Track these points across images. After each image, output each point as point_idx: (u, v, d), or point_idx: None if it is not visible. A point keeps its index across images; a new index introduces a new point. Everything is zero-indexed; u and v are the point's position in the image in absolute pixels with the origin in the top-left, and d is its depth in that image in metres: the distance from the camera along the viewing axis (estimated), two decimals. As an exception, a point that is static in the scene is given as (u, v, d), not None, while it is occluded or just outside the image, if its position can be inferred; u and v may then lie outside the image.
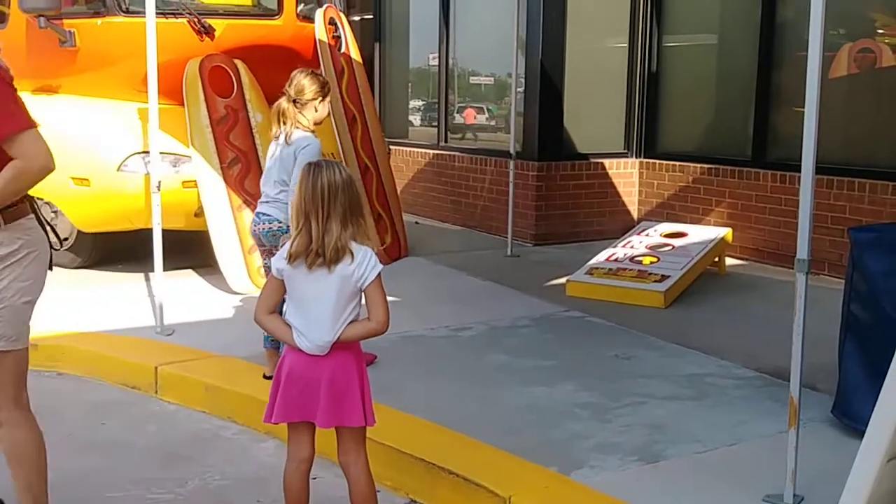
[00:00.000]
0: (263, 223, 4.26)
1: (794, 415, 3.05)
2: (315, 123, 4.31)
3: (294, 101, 4.22)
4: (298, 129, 4.23)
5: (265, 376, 4.25)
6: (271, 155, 4.33)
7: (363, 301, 2.82)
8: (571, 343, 5.03)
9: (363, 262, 2.74)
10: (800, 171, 3.07)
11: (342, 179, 2.74)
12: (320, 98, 4.28)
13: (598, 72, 8.24)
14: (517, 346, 4.97)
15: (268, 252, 4.28)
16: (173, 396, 4.45)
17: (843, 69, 6.71)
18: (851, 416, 3.58)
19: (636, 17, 8.14)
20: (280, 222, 4.17)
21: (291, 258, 2.74)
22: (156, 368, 4.53)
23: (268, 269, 4.29)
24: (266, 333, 4.11)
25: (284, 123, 4.22)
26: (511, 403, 4.07)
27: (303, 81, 4.25)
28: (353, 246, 2.74)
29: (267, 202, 4.29)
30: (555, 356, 4.75)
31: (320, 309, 2.75)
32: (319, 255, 2.70)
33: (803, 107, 3.04)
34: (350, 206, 2.74)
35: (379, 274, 2.77)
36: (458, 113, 9.49)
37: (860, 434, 2.16)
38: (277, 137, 4.27)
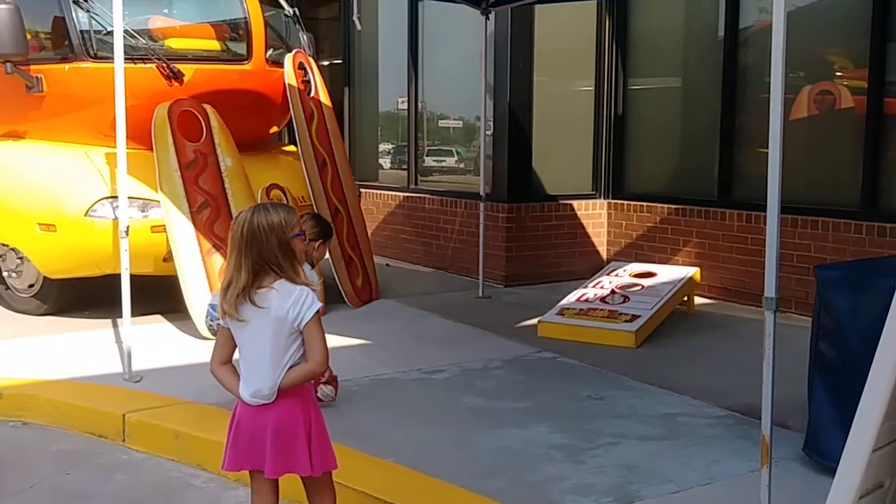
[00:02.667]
0: None
1: (766, 453, 3.07)
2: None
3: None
4: None
5: None
6: None
7: None
8: (544, 384, 5.03)
9: (299, 300, 2.70)
10: (765, 210, 3.13)
11: (258, 225, 2.68)
12: (320, 241, 4.55)
13: (566, 115, 8.35)
14: (490, 388, 4.95)
15: None
16: (142, 444, 4.36)
17: (803, 111, 6.86)
18: (822, 454, 3.60)
19: (602, 60, 8.28)
20: None
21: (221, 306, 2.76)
22: (124, 416, 4.45)
23: None
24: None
25: None
26: (485, 446, 4.05)
27: (308, 223, 4.41)
28: (286, 286, 2.70)
29: None
30: (528, 398, 4.74)
31: (259, 355, 2.73)
32: (233, 302, 2.68)
33: (766, 148, 3.10)
34: (271, 251, 2.67)
35: (317, 312, 2.73)
36: (427, 156, 9.55)
37: (832, 471, 2.17)
38: None
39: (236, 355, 2.86)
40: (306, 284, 2.75)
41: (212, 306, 4.32)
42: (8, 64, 6.19)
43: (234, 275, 2.70)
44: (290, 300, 2.69)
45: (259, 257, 2.68)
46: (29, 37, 6.27)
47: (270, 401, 2.74)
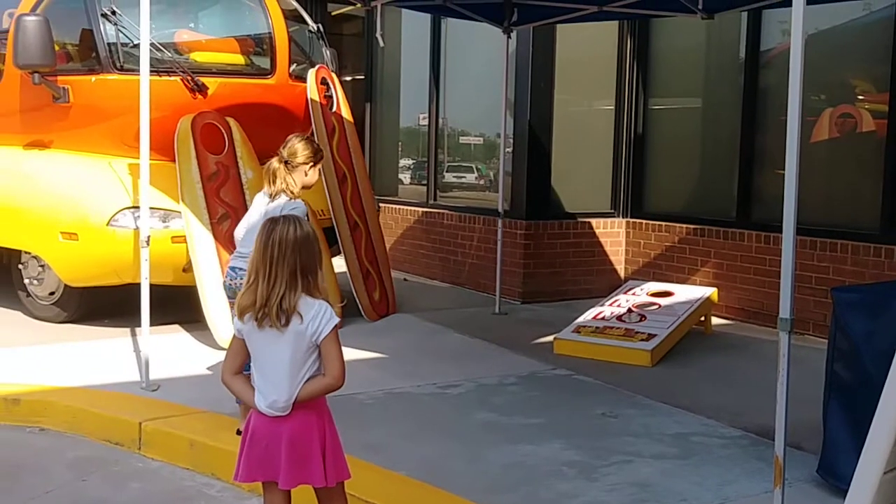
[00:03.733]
0: (240, 277, 4.28)
1: (780, 474, 3.06)
2: (304, 187, 4.41)
3: (286, 163, 4.32)
4: (284, 195, 4.31)
5: (238, 431, 4.25)
6: (258, 210, 4.38)
7: None
8: (559, 401, 5.02)
9: (318, 315, 2.72)
10: (783, 231, 3.13)
11: (295, 237, 2.71)
12: (311, 163, 4.39)
13: (585, 133, 8.37)
14: (504, 403, 4.95)
15: None
16: (157, 453, 4.40)
17: (824, 133, 6.84)
18: (837, 476, 3.58)
19: (622, 80, 8.30)
20: None
21: (239, 314, 2.76)
22: (140, 424, 4.49)
23: None
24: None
25: (273, 183, 4.32)
26: (498, 461, 4.05)
27: (297, 145, 4.37)
28: (306, 301, 2.72)
29: (243, 257, 4.32)
30: (542, 414, 4.74)
31: (277, 367, 2.74)
32: (265, 314, 2.69)
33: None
34: (302, 264, 2.71)
35: (335, 327, 2.75)
36: (447, 172, 9.59)
37: (845, 493, 2.17)
38: (267, 194, 4.35)
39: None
40: (325, 300, 2.77)
41: (232, 268, 4.35)
42: (36, 74, 6.29)
43: (268, 288, 2.69)
44: (310, 314, 2.72)
45: (303, 266, 2.71)
46: (57, 48, 6.37)
47: (286, 413, 2.76)
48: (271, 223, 2.78)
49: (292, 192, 4.33)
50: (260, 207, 4.42)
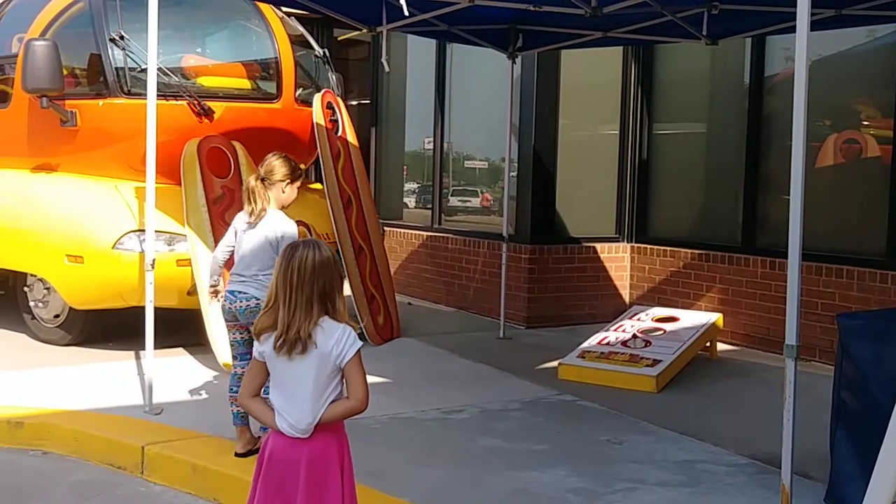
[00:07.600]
0: (240, 300, 4.29)
1: (787, 503, 3.03)
2: (282, 206, 4.42)
3: (262, 180, 4.35)
4: (268, 210, 4.34)
5: (237, 454, 4.25)
6: (243, 231, 4.40)
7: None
8: (563, 427, 4.99)
9: (342, 339, 2.72)
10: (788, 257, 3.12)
11: (314, 262, 2.71)
12: (289, 181, 4.41)
13: (590, 158, 8.38)
14: (509, 429, 4.93)
15: (240, 327, 4.34)
16: (159, 477, 4.38)
17: (829, 159, 6.85)
18: (845, 505, 3.54)
19: (627, 105, 8.33)
20: (258, 300, 4.19)
21: (257, 335, 2.76)
22: (142, 448, 4.47)
23: (235, 344, 4.40)
24: (236, 412, 4.28)
25: (254, 202, 4.34)
26: (502, 488, 4.02)
27: (273, 163, 4.41)
28: (330, 324, 2.72)
29: (243, 280, 4.34)
30: (546, 440, 4.71)
31: (300, 390, 2.73)
32: (284, 341, 2.69)
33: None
34: (322, 289, 2.71)
35: (358, 351, 2.74)
36: (452, 196, 9.60)
37: (852, 522, 2.15)
38: (249, 215, 4.36)
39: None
40: (347, 322, 2.77)
41: (230, 292, 4.35)
42: (44, 98, 6.33)
43: (289, 315, 2.69)
44: (334, 338, 2.71)
45: (321, 291, 2.71)
46: (65, 72, 6.42)
47: (307, 435, 2.74)
48: (291, 248, 2.78)
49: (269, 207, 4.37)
50: (239, 225, 4.45)
